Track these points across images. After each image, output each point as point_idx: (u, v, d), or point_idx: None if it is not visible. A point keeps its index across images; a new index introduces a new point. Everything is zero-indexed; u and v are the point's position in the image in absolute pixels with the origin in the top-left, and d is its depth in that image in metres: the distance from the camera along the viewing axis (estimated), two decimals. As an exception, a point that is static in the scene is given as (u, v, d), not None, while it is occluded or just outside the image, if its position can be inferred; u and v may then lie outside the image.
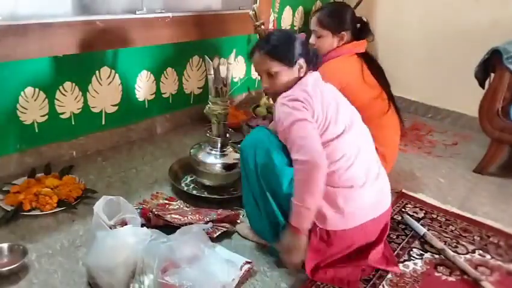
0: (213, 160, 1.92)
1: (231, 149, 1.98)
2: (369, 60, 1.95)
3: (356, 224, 1.39)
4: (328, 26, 1.92)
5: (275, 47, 1.49)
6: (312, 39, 1.97)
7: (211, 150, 1.94)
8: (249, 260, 1.51)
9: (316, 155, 1.29)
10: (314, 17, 1.97)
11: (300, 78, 1.51)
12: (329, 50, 1.95)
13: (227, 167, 1.93)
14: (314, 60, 1.56)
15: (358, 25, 1.98)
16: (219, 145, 1.94)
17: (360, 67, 1.91)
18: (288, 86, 1.49)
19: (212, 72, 1.84)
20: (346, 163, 1.40)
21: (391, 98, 1.96)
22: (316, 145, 1.32)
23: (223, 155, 1.94)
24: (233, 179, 1.99)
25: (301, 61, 1.50)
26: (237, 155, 1.97)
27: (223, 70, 1.84)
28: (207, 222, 1.65)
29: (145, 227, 1.63)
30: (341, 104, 1.50)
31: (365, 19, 2.04)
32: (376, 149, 1.62)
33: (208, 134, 1.94)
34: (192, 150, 1.98)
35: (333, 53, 1.93)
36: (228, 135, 1.96)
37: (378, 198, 1.46)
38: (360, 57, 1.94)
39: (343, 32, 1.93)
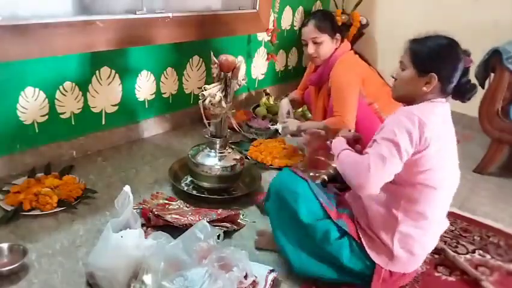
0: (211, 162, 1.91)
1: (229, 150, 1.98)
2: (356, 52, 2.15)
3: (419, 264, 1.41)
4: (326, 30, 2.02)
5: None
6: (311, 49, 2.05)
7: (210, 151, 1.94)
8: (272, 268, 1.48)
9: (374, 187, 1.25)
10: (310, 24, 2.04)
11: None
12: (328, 54, 2.06)
13: (226, 168, 1.92)
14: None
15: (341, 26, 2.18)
16: (218, 146, 1.93)
17: (360, 58, 2.09)
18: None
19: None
20: (438, 211, 1.37)
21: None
22: (381, 176, 1.25)
23: (222, 156, 1.93)
24: (232, 181, 1.99)
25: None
26: (236, 156, 1.97)
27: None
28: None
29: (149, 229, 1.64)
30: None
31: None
32: None
33: (206, 136, 1.94)
34: (190, 152, 1.97)
35: (337, 53, 2.06)
36: (226, 136, 1.96)
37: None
38: (353, 50, 2.13)
39: (338, 34, 2.05)
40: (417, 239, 1.34)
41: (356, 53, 2.15)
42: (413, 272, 1.43)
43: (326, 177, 1.60)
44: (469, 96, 1.36)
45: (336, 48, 2.06)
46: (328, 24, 2.03)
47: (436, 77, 1.29)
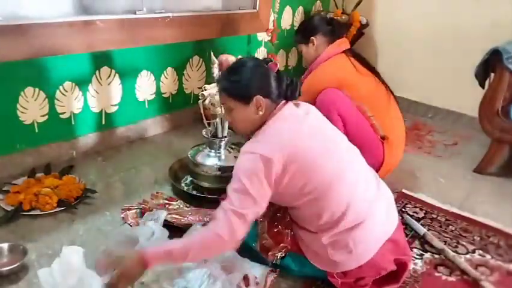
0: (211, 162, 1.91)
1: (229, 150, 1.97)
2: (354, 54, 2.10)
3: (369, 257, 1.33)
4: (298, 41, 2.17)
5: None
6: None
7: (210, 151, 1.94)
8: (272, 268, 1.47)
9: (236, 239, 1.24)
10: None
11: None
12: (312, 59, 2.13)
13: (226, 169, 1.91)
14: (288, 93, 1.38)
15: (329, 26, 2.12)
16: (218, 146, 1.93)
17: (349, 61, 2.03)
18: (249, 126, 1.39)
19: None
20: (346, 207, 1.32)
21: (384, 82, 2.08)
22: (244, 230, 1.25)
23: (221, 156, 1.93)
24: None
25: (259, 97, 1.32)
26: (236, 156, 1.97)
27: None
28: (206, 223, 1.65)
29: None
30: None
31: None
32: (385, 137, 1.90)
33: (206, 136, 1.94)
34: (190, 152, 1.97)
35: (320, 58, 2.07)
36: (226, 136, 1.95)
37: (386, 218, 1.41)
38: (345, 52, 2.07)
39: (312, 38, 2.09)
40: (346, 239, 1.32)
41: (354, 53, 2.09)
42: (378, 255, 1.34)
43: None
44: (298, 93, 1.40)
45: (323, 52, 2.07)
46: (298, 36, 2.17)
47: (260, 96, 1.32)
